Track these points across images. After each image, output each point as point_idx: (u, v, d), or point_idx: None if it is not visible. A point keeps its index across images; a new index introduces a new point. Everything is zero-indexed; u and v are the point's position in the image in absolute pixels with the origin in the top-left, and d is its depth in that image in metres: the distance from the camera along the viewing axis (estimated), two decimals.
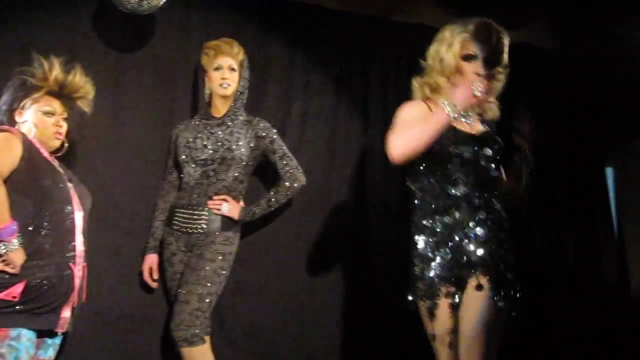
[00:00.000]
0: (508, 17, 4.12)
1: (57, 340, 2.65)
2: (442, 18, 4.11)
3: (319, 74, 3.92)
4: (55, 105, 2.76)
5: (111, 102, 3.44)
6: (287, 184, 3.34)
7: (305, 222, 3.73)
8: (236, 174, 3.28)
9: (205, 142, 3.27)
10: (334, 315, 3.72)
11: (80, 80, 2.83)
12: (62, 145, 2.81)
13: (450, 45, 2.68)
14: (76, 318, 2.66)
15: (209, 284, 3.07)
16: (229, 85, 3.30)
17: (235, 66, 3.34)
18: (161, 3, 3.26)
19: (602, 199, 4.48)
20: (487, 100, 2.68)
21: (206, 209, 3.22)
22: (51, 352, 2.63)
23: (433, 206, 2.58)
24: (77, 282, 2.59)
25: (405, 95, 4.01)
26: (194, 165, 3.26)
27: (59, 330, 2.56)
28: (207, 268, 3.10)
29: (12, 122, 2.69)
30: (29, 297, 2.43)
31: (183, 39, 3.65)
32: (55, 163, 2.73)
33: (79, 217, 2.65)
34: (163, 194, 3.37)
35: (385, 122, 3.94)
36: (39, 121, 2.71)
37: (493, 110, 2.77)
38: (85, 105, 2.90)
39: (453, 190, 2.55)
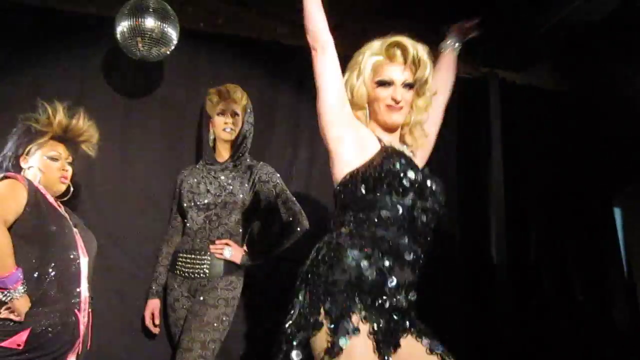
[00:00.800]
0: (513, 60, 4.22)
1: None
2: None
3: None
4: (60, 149, 2.78)
5: (118, 147, 3.48)
6: (290, 230, 3.27)
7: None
8: (238, 218, 3.28)
9: (208, 187, 3.29)
10: None
11: (83, 124, 2.85)
12: (67, 189, 2.82)
13: (361, 72, 2.41)
14: None
15: (211, 331, 3.03)
16: (231, 129, 3.33)
17: (239, 111, 3.36)
18: (170, 50, 3.30)
19: (610, 240, 4.43)
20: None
21: (209, 253, 3.21)
22: None
23: None
24: (82, 328, 2.57)
25: None
26: (197, 210, 3.27)
27: None
28: (210, 314, 3.07)
29: (18, 168, 2.70)
30: (34, 345, 2.41)
31: (190, 84, 3.69)
32: (61, 208, 2.73)
33: (84, 263, 2.65)
34: (167, 238, 3.38)
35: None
36: (44, 166, 2.72)
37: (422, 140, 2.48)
38: (89, 149, 2.92)
39: None
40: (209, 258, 3.20)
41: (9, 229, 2.45)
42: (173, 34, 3.28)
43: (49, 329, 2.44)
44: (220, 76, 3.65)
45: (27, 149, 2.73)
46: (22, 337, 2.39)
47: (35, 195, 2.56)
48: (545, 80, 4.48)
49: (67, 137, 2.81)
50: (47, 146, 2.75)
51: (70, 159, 2.83)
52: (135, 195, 3.49)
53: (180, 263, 3.25)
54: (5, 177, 2.56)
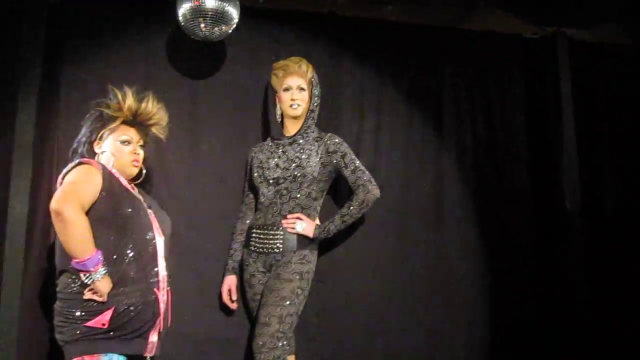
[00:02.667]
0: (581, 17, 4.07)
1: None
2: (512, 24, 4.10)
3: (390, 88, 3.89)
4: (131, 133, 2.83)
5: (186, 128, 3.53)
6: (360, 198, 3.25)
7: (382, 236, 3.70)
8: (309, 191, 3.26)
9: (277, 162, 3.29)
10: (420, 331, 3.69)
11: (153, 107, 2.89)
12: (140, 172, 2.87)
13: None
14: (163, 342, 2.70)
15: (288, 305, 3.05)
16: (298, 105, 3.31)
17: (305, 85, 3.34)
18: (231, 29, 3.32)
19: None
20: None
21: (281, 228, 3.21)
22: None
23: None
24: (162, 307, 2.63)
25: (479, 103, 4.02)
26: (267, 186, 3.28)
27: (148, 355, 2.60)
28: (286, 288, 3.08)
29: (92, 153, 2.77)
30: (118, 323, 2.49)
31: (253, 62, 3.69)
32: (135, 191, 2.79)
33: (160, 243, 2.70)
34: (240, 215, 3.43)
35: (459, 132, 3.93)
36: (117, 150, 2.78)
37: None
38: (160, 132, 2.97)
39: None
40: (281, 233, 3.20)
41: (87, 213, 2.51)
42: (234, 12, 3.29)
43: (131, 308, 2.51)
44: (283, 50, 3.65)
45: (100, 134, 2.78)
46: (106, 316, 2.47)
47: (109, 180, 2.62)
48: (617, 36, 4.30)
49: (137, 121, 2.86)
50: (119, 130, 2.80)
51: (141, 142, 2.87)
52: (206, 175, 3.54)
53: (254, 239, 3.27)
54: (80, 163, 2.63)
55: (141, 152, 2.86)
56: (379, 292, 3.65)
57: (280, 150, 3.33)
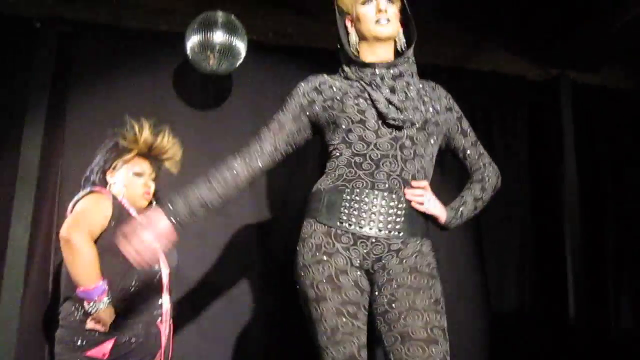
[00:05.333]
0: (585, 60, 4.12)
1: None
2: (517, 65, 4.14)
3: None
4: (145, 166, 2.84)
5: (194, 160, 3.51)
6: (493, 180, 2.40)
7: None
8: (434, 151, 2.28)
9: (389, 97, 2.17)
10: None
11: (168, 142, 2.90)
12: (150, 204, 2.87)
13: None
14: None
15: (443, 311, 2.11)
16: (388, 21, 2.23)
17: None
18: (239, 63, 3.35)
19: None
20: None
21: (403, 199, 2.14)
22: None
23: None
24: (163, 340, 2.62)
25: (482, 142, 4.01)
26: (377, 128, 2.15)
27: None
28: (437, 288, 2.12)
29: (105, 182, 2.77)
30: (118, 354, 2.47)
31: (261, 95, 3.68)
32: None
33: (165, 275, 2.69)
34: (248, 155, 2.28)
35: (461, 172, 3.92)
36: (129, 182, 2.78)
37: None
38: (172, 166, 2.97)
39: None
40: (405, 206, 2.14)
41: (95, 241, 2.52)
42: (242, 46, 3.32)
43: (132, 339, 2.51)
44: (288, 87, 3.65)
45: (114, 164, 2.79)
46: (107, 347, 2.46)
47: (119, 210, 2.63)
48: (620, 81, 4.36)
49: (151, 154, 2.87)
50: (133, 162, 2.81)
51: (153, 175, 2.88)
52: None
53: (345, 211, 2.12)
54: (92, 192, 2.65)
55: (152, 185, 2.87)
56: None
57: (386, 83, 2.19)
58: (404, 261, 2.12)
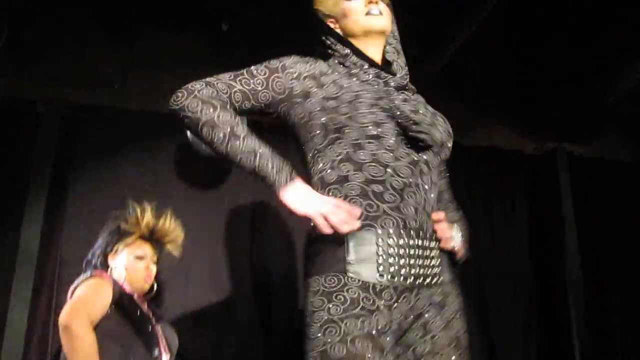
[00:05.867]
0: (580, 133, 4.18)
1: None
2: (513, 139, 4.19)
3: None
4: (146, 249, 2.83)
5: (196, 240, 3.49)
6: (463, 225, 2.03)
7: None
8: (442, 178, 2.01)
9: (409, 106, 1.87)
10: None
11: (170, 225, 2.90)
12: (151, 287, 2.85)
13: None
14: None
15: None
16: (380, 13, 1.97)
17: None
18: None
19: None
20: None
21: (434, 237, 1.82)
22: None
23: None
24: None
25: (481, 219, 4.05)
26: (402, 149, 1.80)
27: None
28: (464, 338, 1.86)
29: (106, 266, 2.75)
30: None
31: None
32: (145, 306, 2.76)
33: None
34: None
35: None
36: (130, 265, 2.76)
37: None
38: (174, 249, 2.96)
39: None
40: (436, 246, 1.82)
41: (95, 327, 2.48)
42: None
43: None
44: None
45: (116, 247, 2.78)
46: None
47: (120, 294, 2.60)
48: (616, 152, 4.41)
49: (153, 238, 2.87)
50: (134, 245, 2.80)
51: (155, 259, 2.87)
52: (217, 287, 3.48)
53: (384, 259, 1.70)
54: (92, 276, 2.63)
55: (154, 268, 2.85)
56: None
57: (399, 95, 1.87)
58: (448, 325, 1.80)
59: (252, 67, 1.86)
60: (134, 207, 2.84)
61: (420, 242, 1.75)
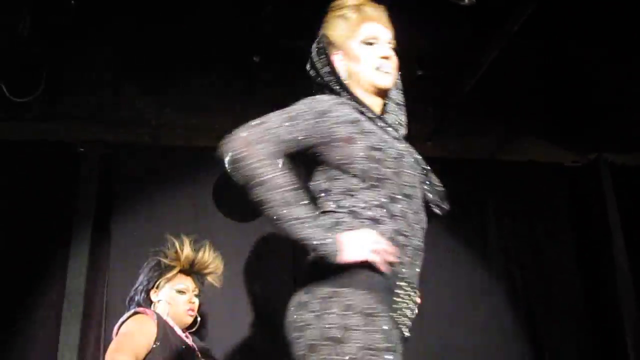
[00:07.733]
0: (621, 142, 4.09)
1: None
2: (552, 152, 4.12)
3: (433, 225, 3.86)
4: (188, 282, 2.85)
5: (237, 272, 3.50)
6: None
7: None
8: None
9: (402, 150, 1.94)
10: None
11: (209, 257, 2.92)
12: (195, 320, 2.86)
13: None
14: None
15: None
16: (388, 73, 1.96)
17: (392, 37, 2.04)
18: None
19: None
20: None
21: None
22: None
23: None
24: None
25: (526, 237, 3.97)
26: (403, 187, 1.85)
27: None
28: None
29: (149, 301, 2.78)
30: None
31: None
32: (189, 340, 2.77)
33: None
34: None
35: (509, 269, 3.86)
36: (173, 299, 2.79)
37: None
38: (215, 281, 2.98)
39: None
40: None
41: None
42: None
43: None
44: None
45: (157, 282, 2.81)
46: None
47: (164, 329, 2.63)
48: None
49: (194, 270, 2.89)
50: (175, 279, 2.83)
51: (197, 291, 2.89)
52: (258, 319, 3.46)
53: (401, 292, 1.78)
54: (136, 313, 2.66)
55: (196, 301, 2.87)
56: None
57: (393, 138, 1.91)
58: None
59: (294, 112, 1.82)
60: (172, 241, 2.87)
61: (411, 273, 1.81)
